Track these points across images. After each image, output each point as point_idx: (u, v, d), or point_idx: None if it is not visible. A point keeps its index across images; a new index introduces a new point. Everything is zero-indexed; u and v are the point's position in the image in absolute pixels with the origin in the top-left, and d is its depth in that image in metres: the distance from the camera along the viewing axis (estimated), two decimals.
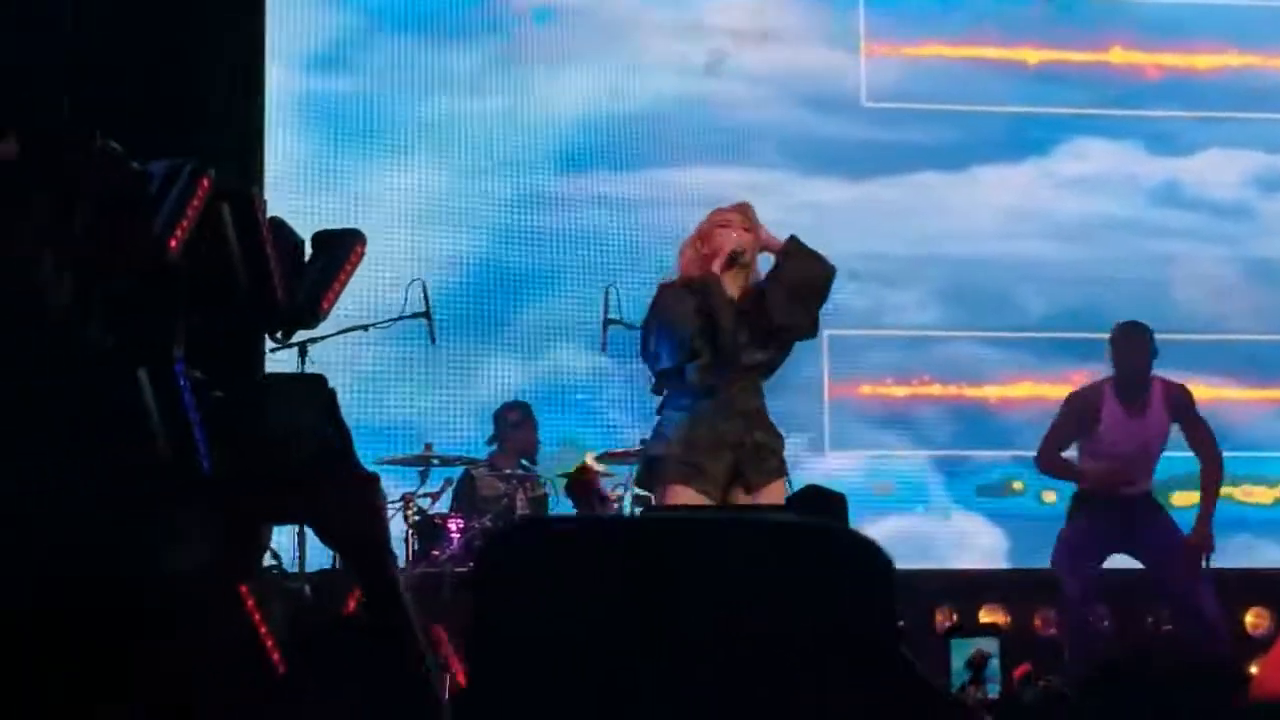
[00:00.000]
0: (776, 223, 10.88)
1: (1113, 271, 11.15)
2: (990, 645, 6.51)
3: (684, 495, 6.53)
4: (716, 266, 6.68)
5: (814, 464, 10.33)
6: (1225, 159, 11.54)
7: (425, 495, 8.90)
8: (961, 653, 6.56)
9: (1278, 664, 8.10)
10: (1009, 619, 9.99)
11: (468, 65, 10.99)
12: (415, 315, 8.82)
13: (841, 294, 10.72)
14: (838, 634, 1.69)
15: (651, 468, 6.72)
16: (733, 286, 6.70)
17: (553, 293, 10.75)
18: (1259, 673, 8.14)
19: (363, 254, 8.21)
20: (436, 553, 8.63)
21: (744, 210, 6.82)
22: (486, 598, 1.77)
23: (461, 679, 6.25)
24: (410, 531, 8.69)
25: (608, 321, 8.87)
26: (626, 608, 1.63)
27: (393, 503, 8.80)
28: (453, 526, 8.74)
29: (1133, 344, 8.79)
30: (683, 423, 6.62)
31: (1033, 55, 11.53)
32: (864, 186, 11.21)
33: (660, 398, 6.80)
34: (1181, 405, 8.81)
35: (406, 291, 8.90)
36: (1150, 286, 11.03)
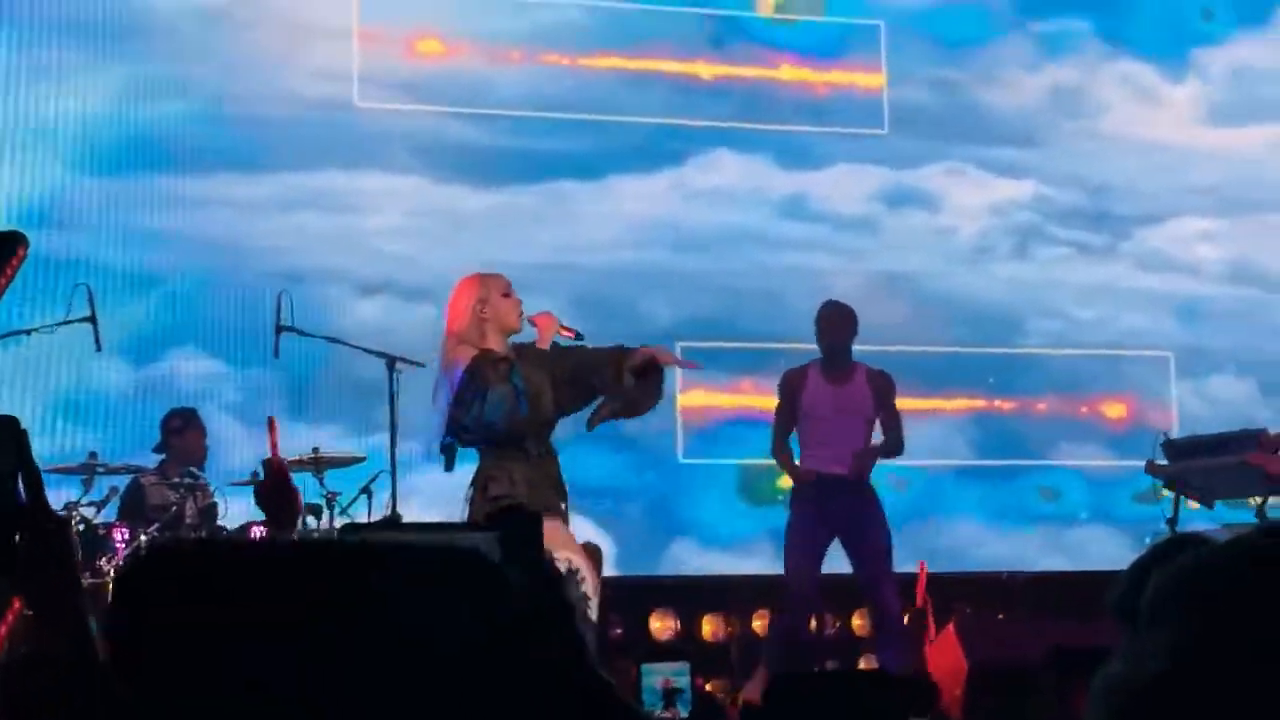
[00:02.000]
0: (408, 229, 11.16)
1: (737, 282, 11.70)
2: (681, 666, 6.89)
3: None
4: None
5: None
6: (855, 174, 12.15)
7: (90, 504, 8.84)
8: (651, 677, 6.93)
9: (937, 654, 8.78)
10: (680, 627, 10.47)
11: (81, 61, 10.86)
12: (80, 319, 8.77)
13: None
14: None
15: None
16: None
17: (197, 296, 10.78)
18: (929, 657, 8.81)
19: (25, 256, 8.24)
20: (101, 563, 8.63)
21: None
22: (141, 618, 1.69)
23: None
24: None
25: (280, 328, 8.94)
26: (290, 635, 1.61)
27: (56, 511, 8.75)
28: (118, 536, 8.71)
29: (834, 320, 9.40)
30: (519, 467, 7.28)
31: (705, 70, 11.97)
32: (500, 194, 11.45)
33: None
34: (884, 386, 9.39)
35: (70, 295, 8.86)
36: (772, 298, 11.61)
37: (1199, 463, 9.20)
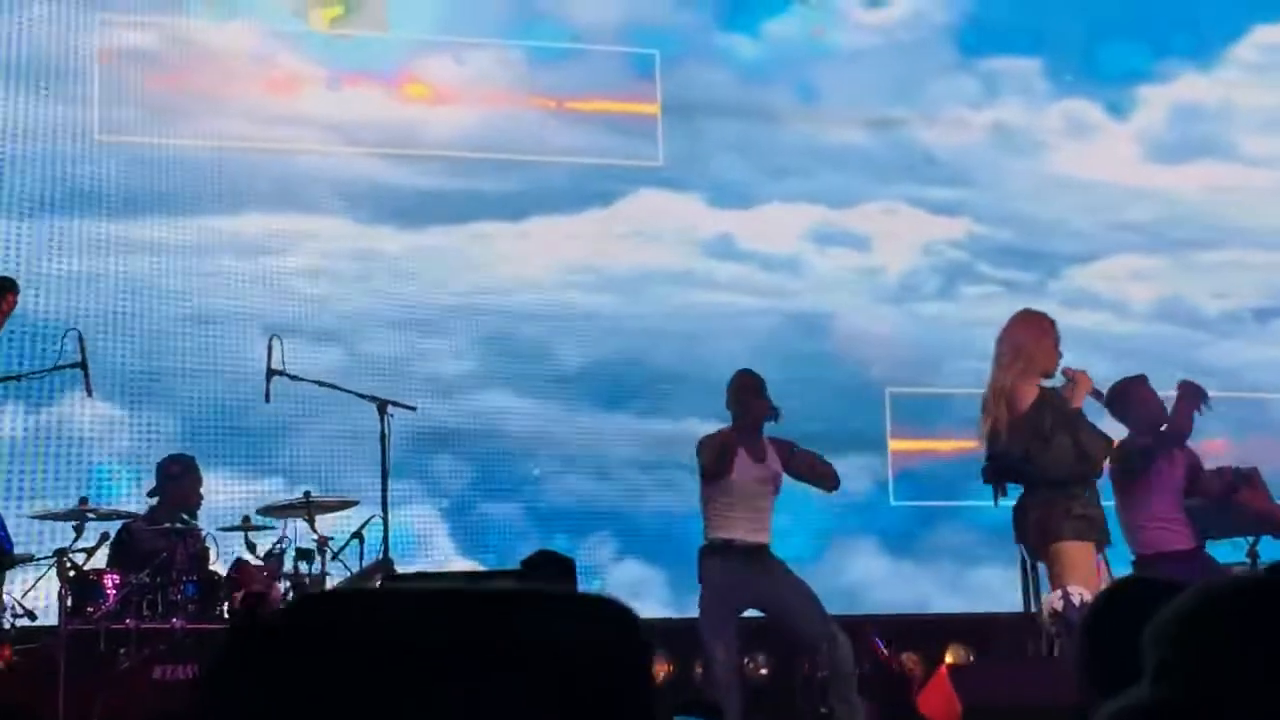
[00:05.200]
0: (320, 270, 11.43)
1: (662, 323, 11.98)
2: None
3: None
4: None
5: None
6: (787, 213, 12.48)
7: (80, 550, 9.10)
8: None
9: (930, 699, 9.29)
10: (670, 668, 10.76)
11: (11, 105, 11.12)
12: (71, 366, 9.02)
13: (370, 342, 11.37)
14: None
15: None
16: None
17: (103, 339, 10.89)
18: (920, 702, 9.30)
19: (14, 303, 8.55)
20: (91, 609, 8.89)
21: None
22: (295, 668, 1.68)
23: None
24: (64, 588, 8.90)
25: (271, 372, 9.26)
26: (442, 682, 1.64)
27: (46, 558, 9.07)
28: (109, 582, 8.96)
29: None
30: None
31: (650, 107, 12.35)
32: (421, 235, 11.71)
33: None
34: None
35: (61, 342, 9.10)
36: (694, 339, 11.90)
37: (1189, 502, 9.71)
